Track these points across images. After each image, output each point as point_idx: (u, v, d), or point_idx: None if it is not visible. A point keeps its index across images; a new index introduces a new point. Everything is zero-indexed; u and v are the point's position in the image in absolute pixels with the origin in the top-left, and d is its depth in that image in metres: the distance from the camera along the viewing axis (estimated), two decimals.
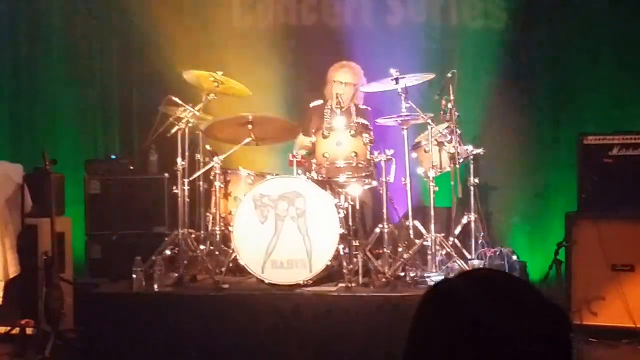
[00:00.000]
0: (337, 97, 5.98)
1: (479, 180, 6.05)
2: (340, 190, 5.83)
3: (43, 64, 7.90)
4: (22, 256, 5.90)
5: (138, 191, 6.82)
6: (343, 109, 5.89)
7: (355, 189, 5.81)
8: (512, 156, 7.23)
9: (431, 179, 5.81)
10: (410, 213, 5.94)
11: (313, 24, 7.64)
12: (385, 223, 5.71)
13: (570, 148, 6.34)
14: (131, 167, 6.80)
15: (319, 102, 6.60)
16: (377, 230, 5.75)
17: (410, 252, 5.65)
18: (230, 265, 5.80)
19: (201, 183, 6.32)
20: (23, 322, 5.81)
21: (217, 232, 6.07)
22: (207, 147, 6.33)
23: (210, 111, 6.31)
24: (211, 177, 6.12)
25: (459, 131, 6.05)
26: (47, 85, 7.89)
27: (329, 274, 5.68)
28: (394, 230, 5.82)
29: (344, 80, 6.39)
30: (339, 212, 5.57)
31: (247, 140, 5.96)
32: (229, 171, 6.20)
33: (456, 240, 5.96)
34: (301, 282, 5.52)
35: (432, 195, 5.78)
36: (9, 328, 5.88)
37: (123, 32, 7.81)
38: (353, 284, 5.48)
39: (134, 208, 6.77)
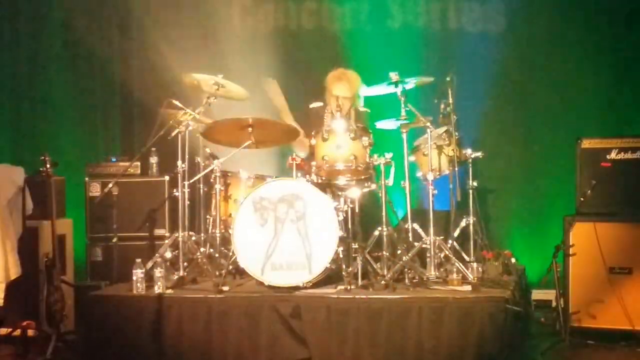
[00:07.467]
0: (337, 103, 5.97)
1: (477, 183, 6.08)
2: (339, 193, 5.86)
3: (44, 66, 7.93)
4: (23, 258, 5.93)
5: (139, 194, 6.84)
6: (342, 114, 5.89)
7: (355, 192, 5.83)
8: (510, 159, 7.27)
9: (430, 182, 5.84)
10: (409, 216, 5.97)
11: (313, 28, 7.67)
12: (384, 226, 5.73)
13: (568, 151, 6.35)
14: (132, 170, 6.82)
15: (319, 104, 6.60)
16: (376, 232, 5.78)
17: (409, 254, 5.67)
18: (230, 267, 5.84)
19: (201, 186, 6.35)
20: (24, 323, 5.83)
21: (217, 235, 6.10)
22: (207, 149, 6.36)
23: (210, 114, 6.33)
24: (211, 180, 6.16)
25: (457, 134, 6.09)
26: (48, 88, 7.92)
27: (329, 277, 5.70)
28: (393, 233, 5.84)
29: (342, 94, 6.32)
30: (338, 215, 5.60)
31: (247, 143, 5.98)
32: (229, 174, 6.23)
33: (455, 243, 5.99)
34: (301, 285, 5.54)
35: (431, 198, 5.80)
36: (10, 330, 5.91)
37: (124, 35, 7.84)
38: (352, 287, 5.50)
39: (134, 211, 6.79)
